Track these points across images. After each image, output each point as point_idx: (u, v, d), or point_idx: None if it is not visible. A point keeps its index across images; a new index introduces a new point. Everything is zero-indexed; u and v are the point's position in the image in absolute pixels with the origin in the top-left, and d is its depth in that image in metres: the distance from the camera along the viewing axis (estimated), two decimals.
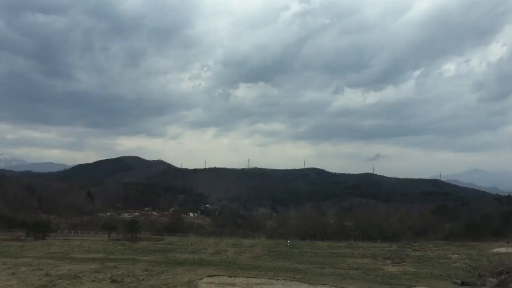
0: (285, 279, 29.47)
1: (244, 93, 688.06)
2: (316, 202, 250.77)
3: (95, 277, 29.11)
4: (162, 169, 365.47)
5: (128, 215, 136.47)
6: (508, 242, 74.19)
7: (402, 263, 44.18)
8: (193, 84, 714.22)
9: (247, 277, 30.38)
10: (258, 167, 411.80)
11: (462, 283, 29.28)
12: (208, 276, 30.48)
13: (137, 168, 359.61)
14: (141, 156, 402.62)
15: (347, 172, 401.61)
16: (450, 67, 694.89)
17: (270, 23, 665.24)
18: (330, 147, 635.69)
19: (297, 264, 40.11)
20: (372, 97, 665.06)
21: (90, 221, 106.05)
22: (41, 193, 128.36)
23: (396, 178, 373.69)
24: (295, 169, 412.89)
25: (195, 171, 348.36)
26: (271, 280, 29.36)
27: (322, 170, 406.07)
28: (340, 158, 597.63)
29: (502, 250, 62.58)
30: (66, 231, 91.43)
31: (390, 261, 45.19)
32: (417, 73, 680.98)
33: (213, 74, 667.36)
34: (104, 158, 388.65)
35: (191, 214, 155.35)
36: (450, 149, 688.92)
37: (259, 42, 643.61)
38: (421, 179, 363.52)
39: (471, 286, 28.73)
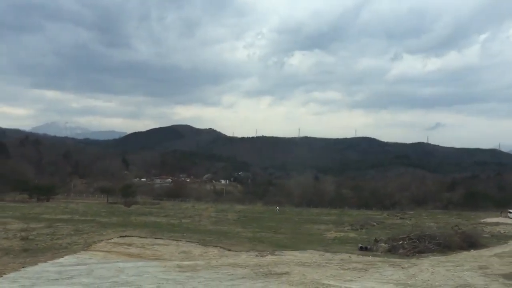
0: (188, 241, 30.45)
1: (299, 61, 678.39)
2: (361, 171, 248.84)
3: (14, 235, 31.43)
4: (212, 137, 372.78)
5: (160, 181, 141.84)
6: (501, 213, 71.41)
7: (360, 229, 43.85)
8: (247, 53, 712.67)
9: (157, 238, 31.67)
10: (310, 136, 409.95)
11: (361, 248, 29.36)
12: (120, 236, 32.05)
13: (187, 136, 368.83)
14: (194, 125, 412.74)
15: (400, 141, 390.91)
16: None
17: None
18: (387, 115, 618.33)
19: (241, 228, 40.81)
20: (433, 64, 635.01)
21: (115, 186, 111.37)
22: (77, 159, 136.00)
23: (451, 148, 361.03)
24: (346, 138, 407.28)
25: (243, 139, 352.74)
26: (174, 241, 30.45)
27: (374, 139, 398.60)
28: (397, 127, 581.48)
29: (494, 220, 60.43)
30: (72, 194, 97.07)
31: (349, 228, 44.91)
32: (482, 37, 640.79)
33: (267, 42, 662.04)
34: (161, 126, 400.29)
35: (223, 181, 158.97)
36: None
37: (314, 8, 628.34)
38: (477, 148, 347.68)
39: (368, 251, 28.72)
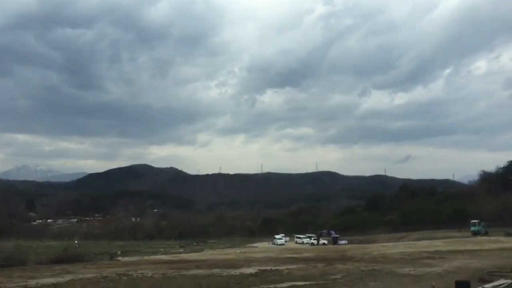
0: None
1: (271, 98, 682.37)
2: (308, 203, 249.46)
3: None
4: (171, 176, 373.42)
5: (63, 222, 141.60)
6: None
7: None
8: (219, 91, 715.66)
9: None
10: (272, 171, 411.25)
11: None
12: None
13: (146, 176, 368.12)
14: (157, 164, 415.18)
15: (359, 174, 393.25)
16: (480, 64, 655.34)
17: (295, 27, 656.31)
18: (359, 150, 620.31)
19: None
20: (400, 98, 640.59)
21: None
22: None
23: (408, 179, 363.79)
24: (307, 173, 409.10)
25: (197, 177, 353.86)
26: None
27: (334, 173, 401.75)
28: (367, 161, 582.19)
29: (259, 244, 61.88)
30: None
31: None
32: (446, 72, 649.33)
33: (239, 80, 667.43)
34: (119, 167, 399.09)
35: (133, 219, 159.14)
36: (484, 149, 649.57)
37: (285, 47, 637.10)
38: (432, 179, 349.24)
39: None
